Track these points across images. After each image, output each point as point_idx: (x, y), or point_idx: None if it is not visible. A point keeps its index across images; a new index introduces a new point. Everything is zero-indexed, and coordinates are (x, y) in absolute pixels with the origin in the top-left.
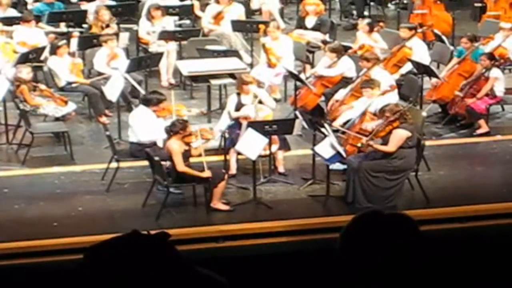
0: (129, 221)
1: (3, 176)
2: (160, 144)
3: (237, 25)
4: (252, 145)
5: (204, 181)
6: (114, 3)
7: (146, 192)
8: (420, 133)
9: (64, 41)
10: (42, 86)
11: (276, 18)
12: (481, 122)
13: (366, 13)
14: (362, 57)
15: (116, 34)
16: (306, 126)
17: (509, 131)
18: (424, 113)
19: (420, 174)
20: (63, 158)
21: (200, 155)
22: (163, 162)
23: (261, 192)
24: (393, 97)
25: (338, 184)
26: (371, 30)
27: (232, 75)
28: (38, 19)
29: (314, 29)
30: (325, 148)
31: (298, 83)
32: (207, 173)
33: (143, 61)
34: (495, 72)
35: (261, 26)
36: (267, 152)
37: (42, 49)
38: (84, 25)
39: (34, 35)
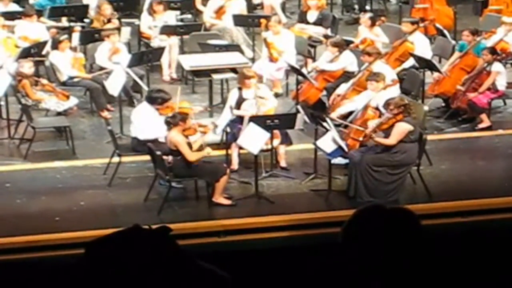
0: (131, 215)
1: (5, 170)
2: (161, 139)
3: (238, 20)
4: (254, 139)
5: (206, 176)
6: None
7: (148, 187)
8: (422, 127)
9: (66, 36)
10: (44, 81)
11: (277, 12)
12: (483, 116)
13: (367, 7)
14: (363, 52)
15: (118, 29)
16: (308, 120)
17: (511, 125)
18: (426, 108)
19: (422, 169)
20: (65, 152)
21: (201, 148)
22: (165, 157)
23: (263, 186)
24: (395, 92)
25: (340, 178)
26: (373, 25)
27: (234, 70)
28: (39, 13)
29: (315, 23)
30: (327, 143)
31: (300, 78)
32: (208, 150)
33: (145, 56)
34: (497, 66)
35: (263, 21)
36: (269, 147)
37: (44, 43)
38: (86, 20)
39: (35, 29)
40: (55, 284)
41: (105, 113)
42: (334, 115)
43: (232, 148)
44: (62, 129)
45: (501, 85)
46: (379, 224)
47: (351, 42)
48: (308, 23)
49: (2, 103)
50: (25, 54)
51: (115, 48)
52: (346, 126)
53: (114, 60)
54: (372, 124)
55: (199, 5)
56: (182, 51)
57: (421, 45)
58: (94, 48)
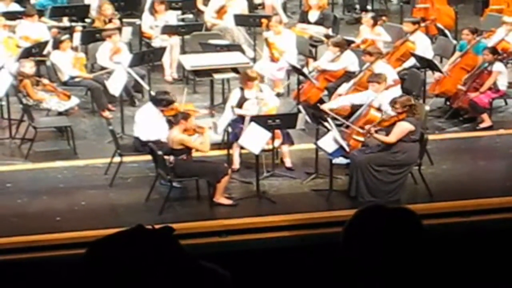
0: (132, 215)
1: (6, 170)
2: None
3: (240, 20)
4: (255, 139)
5: (207, 176)
6: None
7: (149, 187)
8: (423, 127)
9: (67, 36)
10: (45, 81)
11: (279, 12)
12: (484, 116)
13: (369, 7)
14: (365, 51)
15: (119, 29)
16: (309, 120)
17: None
18: (427, 107)
19: (423, 168)
20: (66, 152)
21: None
22: (166, 157)
23: (264, 186)
24: (397, 92)
25: (341, 178)
26: (375, 24)
27: (235, 70)
28: (41, 13)
29: (317, 23)
30: (328, 142)
31: (301, 78)
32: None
33: (146, 56)
34: (498, 66)
35: (264, 21)
36: (270, 147)
37: (45, 43)
38: (87, 20)
39: (37, 29)
40: (57, 284)
41: (106, 113)
42: (325, 106)
43: (233, 148)
44: (63, 129)
45: (502, 84)
46: (380, 224)
47: (352, 42)
48: (309, 23)
49: (4, 103)
50: (26, 54)
51: (116, 48)
52: (347, 126)
53: (115, 60)
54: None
55: (200, 5)
56: (183, 51)
57: (422, 45)
58: (95, 48)
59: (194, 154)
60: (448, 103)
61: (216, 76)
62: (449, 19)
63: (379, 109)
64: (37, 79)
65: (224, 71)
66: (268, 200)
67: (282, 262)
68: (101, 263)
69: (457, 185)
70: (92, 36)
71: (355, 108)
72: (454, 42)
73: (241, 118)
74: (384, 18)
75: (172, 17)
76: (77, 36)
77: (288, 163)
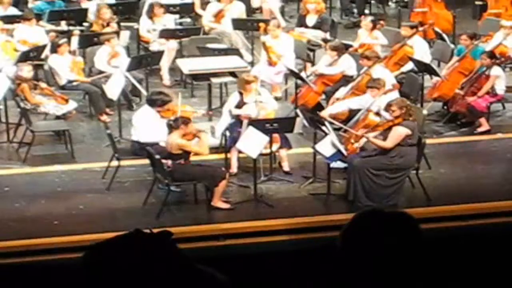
0: (130, 219)
1: (4, 174)
2: (162, 143)
3: (237, 24)
4: (253, 143)
5: (205, 180)
6: (114, 1)
7: (147, 191)
8: (421, 131)
9: (65, 40)
10: (43, 85)
11: (276, 16)
12: (482, 120)
13: (367, 11)
14: (362, 56)
15: (117, 33)
16: (307, 124)
17: (510, 129)
18: (425, 111)
19: (421, 172)
20: (64, 156)
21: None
22: (164, 161)
23: (262, 190)
24: (395, 96)
25: (339, 182)
26: (373, 28)
27: (232, 74)
28: (39, 17)
29: (315, 27)
30: (326, 146)
31: (299, 82)
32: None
33: (144, 60)
34: (496, 70)
35: (262, 25)
36: (268, 151)
37: (43, 47)
38: (85, 23)
39: (35, 33)
40: None
41: (104, 117)
42: (325, 113)
43: (231, 152)
44: (61, 133)
45: (500, 89)
46: (378, 228)
47: (350, 46)
48: (307, 27)
49: (1, 106)
50: (24, 57)
51: (114, 52)
52: (345, 130)
53: (113, 64)
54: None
55: (198, 9)
56: (181, 55)
57: (420, 49)
58: (93, 51)
59: (192, 158)
60: (446, 107)
61: (214, 80)
62: (447, 23)
63: (377, 114)
64: (35, 83)
65: (222, 75)
66: (265, 204)
67: (280, 266)
68: (100, 267)
69: (454, 189)
70: (90, 40)
71: (353, 112)
72: (452, 46)
73: (239, 122)
74: (382, 22)
75: (170, 21)
76: (75, 40)
77: (286, 167)
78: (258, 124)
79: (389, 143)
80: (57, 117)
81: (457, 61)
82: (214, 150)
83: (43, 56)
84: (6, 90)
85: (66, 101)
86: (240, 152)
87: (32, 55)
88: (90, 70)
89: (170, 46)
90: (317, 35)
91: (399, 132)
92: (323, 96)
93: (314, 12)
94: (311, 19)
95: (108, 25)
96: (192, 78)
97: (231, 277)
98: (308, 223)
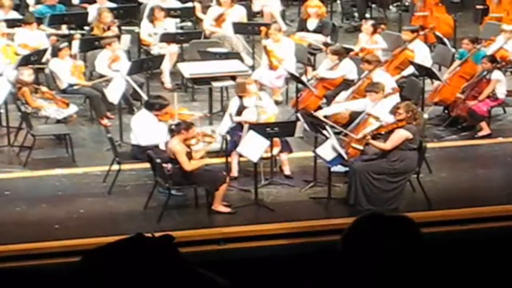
0: (131, 223)
1: (4, 178)
2: (162, 146)
3: (238, 27)
4: (253, 147)
5: (205, 184)
6: (115, 5)
7: (148, 194)
8: (422, 135)
9: (66, 43)
10: (44, 88)
11: (277, 20)
12: (483, 124)
13: (367, 15)
14: (363, 60)
15: (118, 36)
16: (307, 128)
17: (511, 133)
18: (425, 115)
19: (422, 176)
20: (64, 160)
21: (202, 158)
22: (164, 165)
23: (263, 194)
24: (395, 100)
25: (339, 186)
26: (374, 32)
27: (233, 78)
28: (39, 21)
29: (315, 31)
30: (327, 151)
31: (300, 86)
32: (206, 161)
33: (145, 63)
34: (496, 74)
35: (263, 29)
36: (269, 155)
37: (44, 51)
38: (86, 27)
39: (35, 37)
40: None
41: (105, 121)
42: (320, 113)
43: (232, 156)
44: (62, 137)
45: (501, 93)
46: (379, 232)
47: (351, 50)
48: (308, 31)
49: (2, 110)
50: (25, 61)
51: (115, 55)
52: (346, 134)
53: (114, 68)
54: (371, 127)
55: (199, 13)
56: (182, 59)
57: (421, 53)
58: (94, 55)
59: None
60: (446, 111)
61: (215, 84)
62: (448, 27)
63: (378, 118)
64: (36, 86)
65: (222, 79)
66: (266, 208)
67: (281, 270)
68: (101, 271)
69: (455, 193)
70: (91, 44)
71: (353, 116)
72: (453, 50)
73: (240, 126)
74: (382, 26)
75: (171, 25)
76: (75, 44)
77: (287, 171)
78: (259, 128)
79: (389, 145)
80: (58, 121)
81: (458, 65)
82: (214, 154)
83: (44, 60)
84: (7, 94)
85: (67, 105)
86: (240, 156)
87: (33, 59)
88: (91, 74)
89: (171, 50)
90: (318, 39)
91: (400, 135)
92: (324, 100)
93: (315, 16)
94: (312, 23)
95: (109, 29)
96: (193, 82)
97: (232, 281)
98: (309, 227)
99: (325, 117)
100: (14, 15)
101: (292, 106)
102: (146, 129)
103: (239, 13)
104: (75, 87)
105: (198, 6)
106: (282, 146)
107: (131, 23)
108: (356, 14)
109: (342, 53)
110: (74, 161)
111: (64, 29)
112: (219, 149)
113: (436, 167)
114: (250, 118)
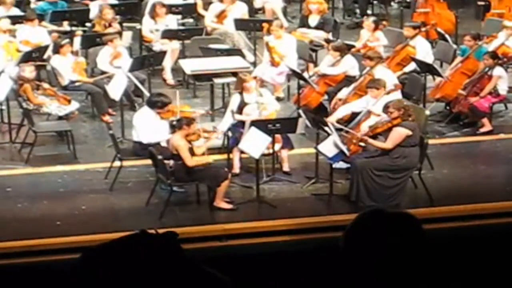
0: (133, 220)
1: (6, 175)
2: (163, 144)
3: (240, 24)
4: (255, 143)
5: (207, 180)
6: (116, 1)
7: (150, 191)
8: (423, 132)
9: (67, 40)
10: (45, 85)
11: (279, 16)
12: (484, 120)
13: (369, 11)
14: (365, 56)
15: (119, 33)
16: (309, 124)
17: None
18: (427, 112)
19: (424, 173)
20: (66, 157)
21: (203, 154)
22: (166, 161)
23: (265, 190)
24: (397, 96)
25: (341, 182)
26: (375, 28)
27: (235, 74)
28: (41, 18)
29: (317, 27)
30: (329, 147)
31: (302, 82)
32: (210, 158)
33: (147, 60)
34: (498, 71)
35: (264, 25)
36: (271, 151)
37: (45, 48)
38: (87, 24)
39: (37, 34)
40: None
41: (107, 117)
42: (331, 119)
43: (233, 152)
44: (64, 133)
45: (503, 89)
46: (381, 229)
47: (353, 46)
48: (309, 27)
49: (4, 107)
50: (27, 58)
51: (116, 52)
52: (347, 131)
53: (116, 65)
54: (365, 127)
55: (200, 10)
56: (183, 55)
57: (422, 50)
58: (96, 52)
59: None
60: (448, 107)
61: (216, 80)
62: (450, 23)
63: (379, 115)
64: (37, 83)
65: (224, 75)
66: (268, 204)
67: (283, 266)
68: (105, 268)
69: (457, 189)
70: (93, 41)
71: (355, 113)
72: (454, 46)
73: (241, 123)
74: (384, 22)
75: (173, 22)
76: (77, 41)
77: (285, 167)
78: (261, 124)
79: (389, 144)
80: (60, 118)
81: (460, 61)
82: (216, 150)
83: (45, 56)
84: (9, 90)
85: (69, 101)
86: (242, 152)
87: (35, 56)
88: (93, 71)
89: (172, 47)
90: (319, 36)
91: (399, 133)
92: (326, 97)
93: (317, 12)
94: (313, 20)
95: (110, 25)
96: (195, 79)
97: (234, 278)
98: (311, 223)
99: (326, 115)
100: (16, 11)
101: (294, 102)
102: (148, 126)
103: (240, 10)
104: (77, 84)
105: (199, 2)
106: (283, 142)
107: (133, 20)
108: (357, 11)
109: (344, 50)
110: (76, 157)
111: (65, 26)
112: (220, 145)
113: (438, 163)
114: (252, 114)
